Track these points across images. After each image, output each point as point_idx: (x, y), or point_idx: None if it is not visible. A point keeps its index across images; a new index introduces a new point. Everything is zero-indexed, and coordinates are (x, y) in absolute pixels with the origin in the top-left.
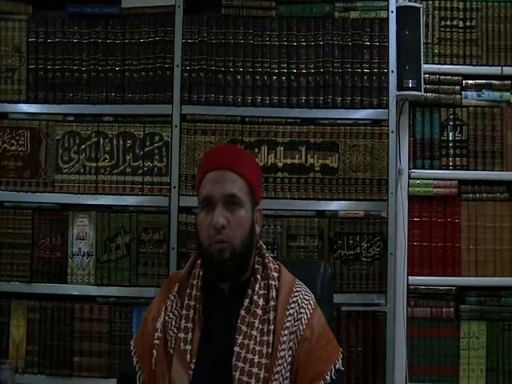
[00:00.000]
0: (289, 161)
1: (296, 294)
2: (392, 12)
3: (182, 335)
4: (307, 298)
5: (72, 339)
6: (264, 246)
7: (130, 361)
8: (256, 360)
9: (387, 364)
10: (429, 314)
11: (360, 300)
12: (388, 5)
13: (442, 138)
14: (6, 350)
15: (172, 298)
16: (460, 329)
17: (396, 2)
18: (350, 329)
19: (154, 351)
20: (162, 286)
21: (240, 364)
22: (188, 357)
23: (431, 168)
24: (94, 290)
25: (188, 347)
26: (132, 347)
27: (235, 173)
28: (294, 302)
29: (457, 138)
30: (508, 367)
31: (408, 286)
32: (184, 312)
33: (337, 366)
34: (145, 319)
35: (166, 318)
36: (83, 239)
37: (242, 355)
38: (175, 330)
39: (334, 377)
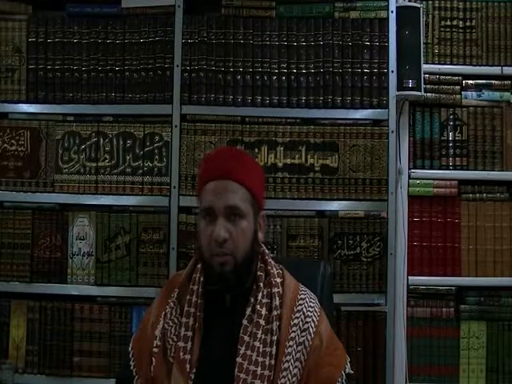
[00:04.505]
0: (289, 161)
1: (301, 302)
2: (392, 12)
3: (181, 344)
4: (312, 304)
5: (72, 339)
6: (267, 251)
7: (128, 363)
8: (259, 372)
9: (387, 364)
10: (429, 314)
11: (360, 300)
12: (388, 5)
13: (442, 137)
14: (6, 350)
15: (171, 304)
16: (460, 329)
17: (396, 1)
18: (350, 329)
19: (153, 359)
20: (162, 288)
21: (242, 375)
22: (188, 366)
23: (431, 168)
24: (94, 290)
25: (188, 357)
26: (130, 349)
27: (236, 182)
28: (298, 311)
29: (457, 138)
30: (508, 367)
31: (408, 286)
32: (184, 320)
33: (347, 371)
34: (144, 323)
35: (166, 325)
36: (83, 239)
37: (245, 366)
38: (175, 338)
39: (344, 382)
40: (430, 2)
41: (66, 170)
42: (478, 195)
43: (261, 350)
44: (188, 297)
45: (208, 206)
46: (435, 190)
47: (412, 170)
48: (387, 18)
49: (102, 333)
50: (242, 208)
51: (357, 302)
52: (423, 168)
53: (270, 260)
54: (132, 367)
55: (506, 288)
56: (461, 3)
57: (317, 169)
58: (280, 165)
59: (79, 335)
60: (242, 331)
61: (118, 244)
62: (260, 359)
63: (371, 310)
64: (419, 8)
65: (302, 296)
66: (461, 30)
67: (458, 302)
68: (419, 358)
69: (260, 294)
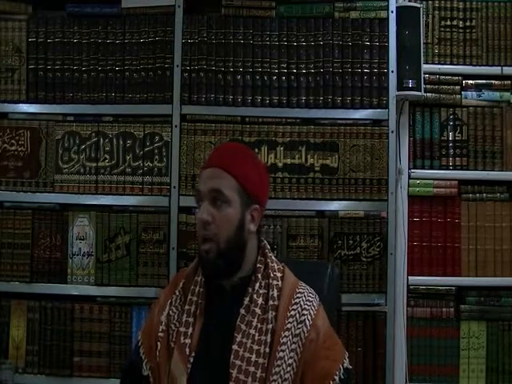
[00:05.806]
0: (289, 161)
1: (298, 295)
2: (392, 12)
3: (182, 329)
4: (310, 299)
5: (72, 339)
6: (268, 246)
7: (137, 351)
8: (253, 359)
9: (387, 364)
10: (429, 314)
11: (360, 300)
12: (388, 5)
13: (442, 137)
14: (6, 350)
15: (177, 293)
16: (460, 329)
17: (396, 1)
18: (350, 329)
19: (159, 343)
20: (170, 281)
21: (237, 362)
22: (187, 350)
23: (431, 168)
24: (93, 290)
25: (188, 341)
26: (139, 337)
27: (226, 171)
28: (295, 304)
29: (457, 138)
30: (508, 367)
31: (408, 285)
32: (186, 307)
33: (345, 365)
34: (152, 312)
35: (170, 312)
36: (83, 239)
37: (240, 353)
38: (177, 324)
39: (342, 376)
40: (430, 1)
41: (66, 169)
42: (477, 195)
43: (256, 337)
44: (192, 287)
45: (197, 189)
46: (435, 190)
47: (412, 170)
48: (387, 18)
49: (102, 333)
50: (226, 193)
51: (357, 302)
52: (423, 168)
53: (270, 254)
54: (141, 353)
55: (506, 288)
56: (461, 3)
57: (317, 169)
58: (280, 165)
59: (79, 335)
60: (239, 320)
61: (118, 244)
62: (255, 347)
63: (371, 309)
64: (419, 8)
65: (300, 290)
66: (461, 30)
67: (458, 302)
68: (419, 358)
69: (257, 285)
